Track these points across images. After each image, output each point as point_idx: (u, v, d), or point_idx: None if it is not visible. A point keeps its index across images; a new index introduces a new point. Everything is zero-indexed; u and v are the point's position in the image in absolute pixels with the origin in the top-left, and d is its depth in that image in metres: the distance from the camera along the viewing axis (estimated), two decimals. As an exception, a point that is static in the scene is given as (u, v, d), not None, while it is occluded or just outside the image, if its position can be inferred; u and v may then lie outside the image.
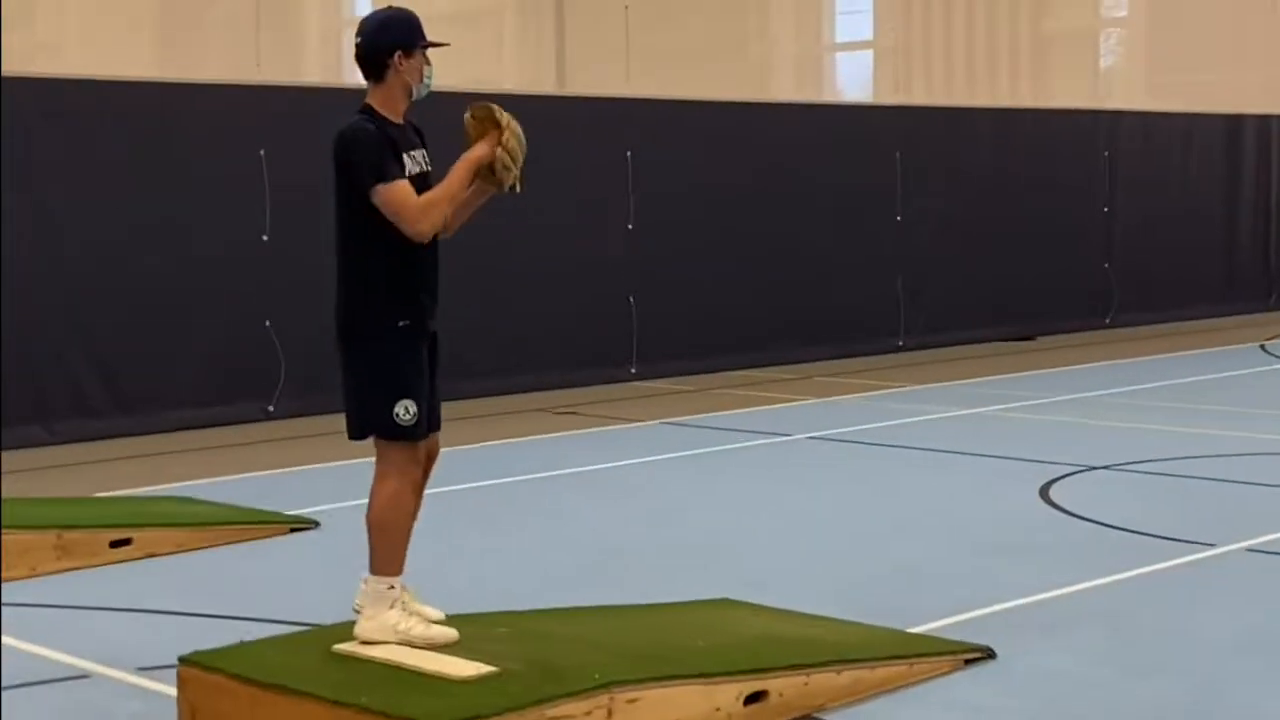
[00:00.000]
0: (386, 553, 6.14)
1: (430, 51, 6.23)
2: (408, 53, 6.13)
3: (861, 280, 17.77)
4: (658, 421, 13.35)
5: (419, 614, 6.15)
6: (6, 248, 12.08)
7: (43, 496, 10.04)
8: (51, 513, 9.05)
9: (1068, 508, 9.60)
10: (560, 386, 15.14)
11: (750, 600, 7.34)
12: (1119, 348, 18.35)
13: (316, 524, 9.34)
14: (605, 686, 5.57)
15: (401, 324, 6.03)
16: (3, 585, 7.45)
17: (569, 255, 15.40)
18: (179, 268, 13.10)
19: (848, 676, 6.17)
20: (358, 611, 6.32)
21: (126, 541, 8.66)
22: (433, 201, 5.99)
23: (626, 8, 17.02)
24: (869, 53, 28.56)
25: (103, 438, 12.57)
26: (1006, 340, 18.86)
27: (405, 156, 6.07)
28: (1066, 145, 19.96)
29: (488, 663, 5.79)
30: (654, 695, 5.67)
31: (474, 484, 10.43)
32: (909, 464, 11.36)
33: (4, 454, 11.25)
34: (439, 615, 6.23)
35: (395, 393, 6.02)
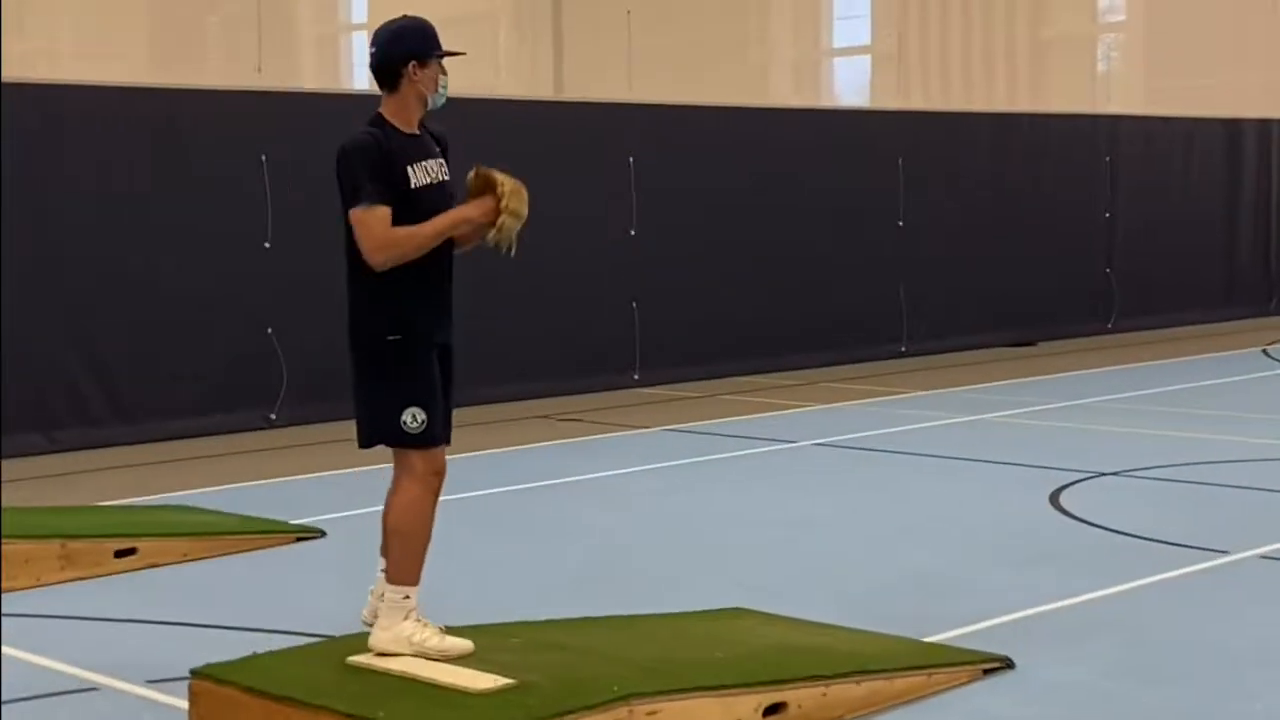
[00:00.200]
0: (404, 560, 6.10)
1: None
2: (422, 62, 6.11)
3: (864, 286, 17.72)
4: (662, 428, 13.29)
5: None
6: (6, 255, 12.00)
7: (44, 506, 9.97)
8: (54, 522, 8.99)
9: (1079, 514, 9.55)
10: (562, 393, 15.08)
11: (762, 609, 7.28)
12: (1121, 353, 18.30)
13: (322, 533, 9.27)
14: (624, 699, 5.51)
15: (402, 336, 6.02)
16: (3, 596, 7.38)
17: (571, 261, 15.33)
18: (180, 275, 13.02)
19: (866, 687, 6.11)
20: (366, 625, 6.28)
21: (131, 551, 8.59)
22: (399, 239, 5.95)
23: (629, 12, 16.97)
24: (866, 58, 28.58)
25: (104, 446, 12.50)
26: (1008, 345, 18.81)
27: (413, 167, 6.04)
28: (1068, 150, 19.91)
29: (504, 675, 5.73)
30: (673, 708, 5.61)
31: (479, 492, 10.36)
32: (916, 470, 11.30)
33: (4, 462, 11.19)
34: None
35: (403, 400, 6.02)
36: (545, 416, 14.00)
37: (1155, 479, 10.76)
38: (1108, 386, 15.37)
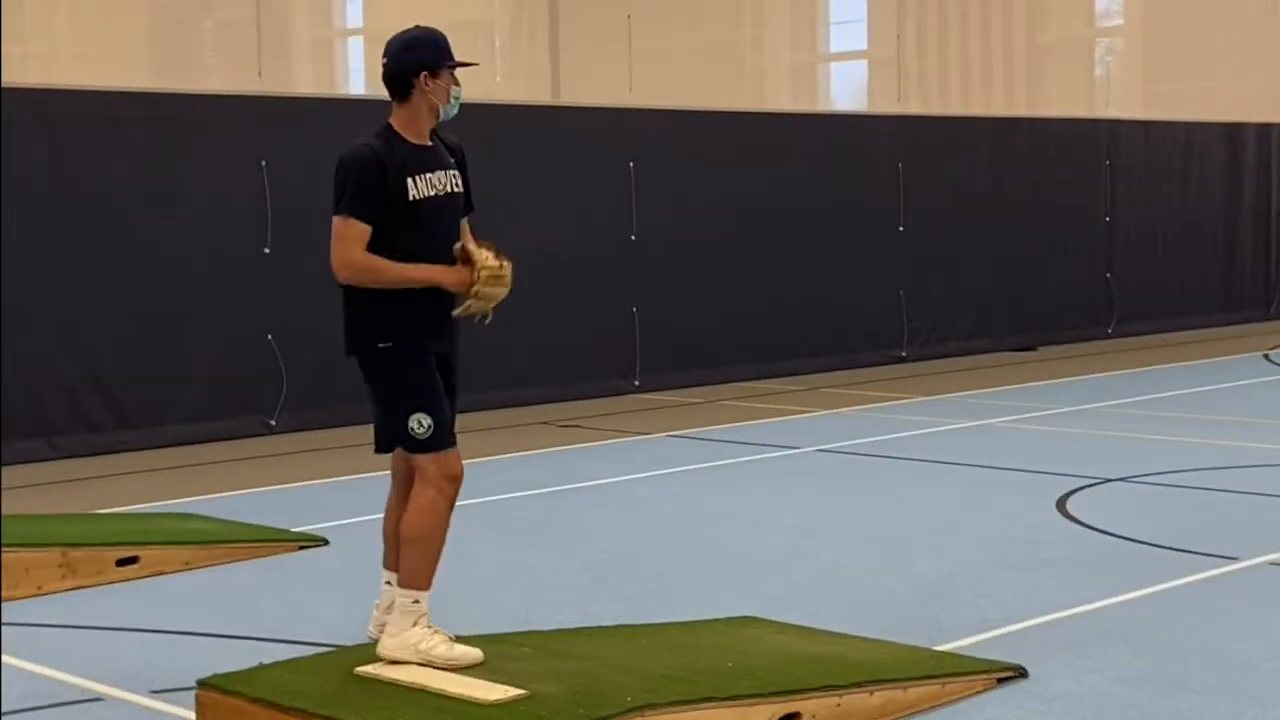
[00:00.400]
0: (417, 565, 6.09)
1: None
2: (434, 73, 6.11)
3: (864, 291, 17.67)
4: (664, 434, 13.23)
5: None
6: (5, 261, 11.94)
7: (45, 513, 9.90)
8: (55, 530, 8.92)
9: (1086, 521, 9.49)
10: (563, 399, 15.02)
11: (771, 616, 7.23)
12: (1122, 358, 18.26)
13: (325, 541, 9.20)
14: (638, 709, 5.45)
15: (393, 344, 6.03)
16: (3, 605, 7.32)
17: (571, 266, 15.28)
18: (179, 280, 12.96)
19: (880, 697, 6.04)
20: (372, 639, 6.24)
21: (133, 560, 8.52)
22: (365, 266, 5.98)
23: (629, 17, 16.93)
24: (863, 63, 28.56)
25: (104, 453, 12.45)
26: (1008, 351, 18.76)
27: (415, 179, 6.04)
28: (1068, 155, 19.87)
29: (515, 685, 5.67)
30: (687, 718, 5.54)
31: (482, 499, 10.28)
32: (921, 477, 11.23)
33: (4, 469, 11.13)
34: None
35: (408, 407, 6.03)
36: (546, 422, 13.94)
37: (1162, 484, 10.70)
38: (1110, 391, 15.32)
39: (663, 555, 8.94)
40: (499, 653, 6.10)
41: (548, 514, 10.15)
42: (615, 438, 13.20)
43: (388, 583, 6.28)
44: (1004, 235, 19.05)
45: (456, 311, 6.09)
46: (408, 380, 6.04)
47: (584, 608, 7.67)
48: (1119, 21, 28.27)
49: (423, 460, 6.05)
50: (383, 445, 6.19)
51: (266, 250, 13.33)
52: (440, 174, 6.15)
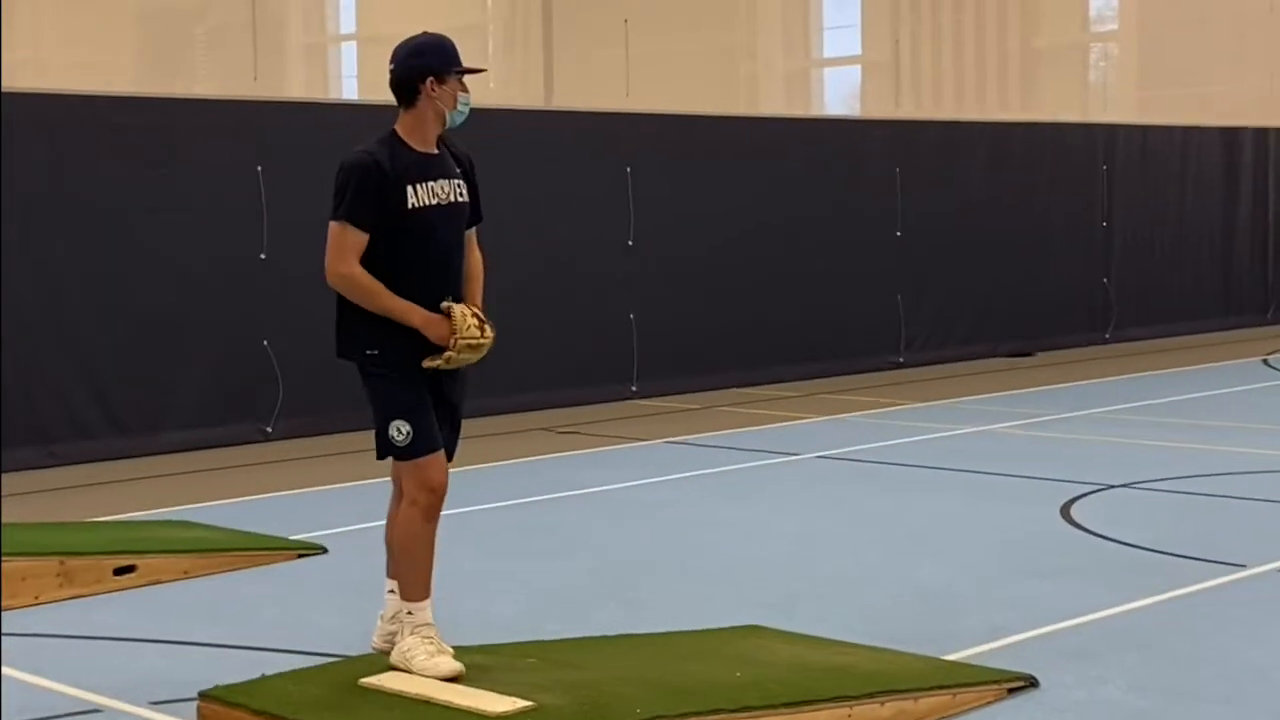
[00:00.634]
0: (405, 576, 6.09)
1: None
2: (440, 79, 6.07)
3: (861, 296, 17.60)
4: (663, 441, 13.15)
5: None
6: (4, 266, 11.86)
7: (41, 521, 9.81)
8: (52, 539, 8.83)
9: (1091, 528, 9.42)
10: (560, 405, 14.94)
11: (776, 625, 7.16)
12: (1120, 363, 18.20)
13: (324, 549, 9.11)
14: (648, 722, 5.37)
15: (380, 351, 6.02)
16: (3, 614, 7.23)
17: (568, 272, 15.21)
18: (175, 286, 12.87)
19: (891, 708, 5.97)
20: (376, 650, 6.19)
21: (130, 568, 8.43)
22: (354, 278, 5.95)
23: (626, 21, 16.87)
24: (857, 68, 28.52)
25: (99, 460, 12.35)
26: (1006, 356, 18.70)
27: (414, 187, 6.00)
28: (1065, 159, 19.82)
29: (521, 696, 5.59)
30: (697, 730, 5.47)
31: (481, 506, 10.23)
32: (922, 483, 11.16)
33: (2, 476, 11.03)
34: None
35: (389, 413, 6.03)
36: (544, 429, 13.86)
37: (1165, 491, 10.64)
38: (1109, 397, 15.26)
39: (663, 563, 8.86)
40: (503, 663, 6.04)
41: (546, 521, 10.06)
42: (613, 444, 13.12)
43: (391, 591, 6.23)
44: (1002, 240, 18.99)
45: (425, 362, 6.02)
46: (391, 387, 6.04)
47: (586, 617, 7.59)
48: (1113, 26, 28.23)
49: (402, 470, 6.07)
50: (380, 451, 6.16)
51: (262, 256, 13.24)
52: (443, 182, 6.10)
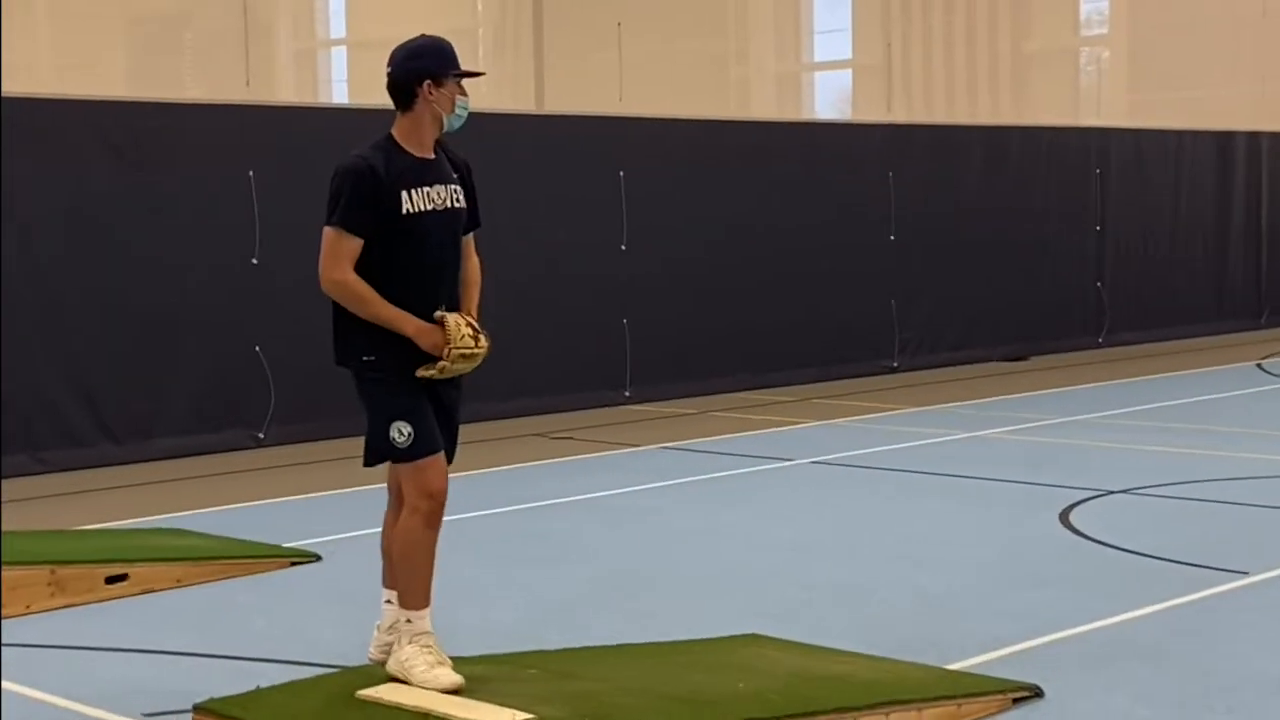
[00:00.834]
0: (404, 584, 6.02)
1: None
2: (438, 82, 6.00)
3: (855, 301, 17.54)
4: (657, 446, 13.09)
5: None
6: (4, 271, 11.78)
7: (32, 529, 9.71)
8: (43, 547, 8.75)
9: (1092, 534, 9.35)
10: (553, 410, 14.87)
11: (776, 634, 7.08)
12: (1113, 367, 18.15)
13: (318, 557, 9.03)
14: (652, 734, 5.30)
15: (376, 357, 5.97)
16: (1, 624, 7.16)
17: (561, 277, 15.13)
18: (166, 292, 12.78)
19: (895, 719, 5.89)
20: (373, 661, 6.12)
21: (123, 577, 8.34)
22: (357, 295, 5.90)
23: (618, 25, 16.80)
24: (848, 72, 28.46)
25: (91, 466, 12.26)
26: (999, 360, 18.66)
27: (410, 192, 5.95)
28: (1058, 164, 19.77)
29: (521, 708, 5.51)
30: (700, 742, 5.40)
31: (476, 513, 10.15)
32: (918, 488, 11.09)
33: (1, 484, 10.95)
34: None
35: (389, 415, 5.97)
36: (538, 434, 13.78)
37: (1165, 496, 10.57)
38: (1104, 402, 15.21)
39: (659, 571, 8.79)
40: (503, 674, 5.97)
41: (541, 528, 9.99)
42: (607, 449, 13.04)
43: (388, 601, 6.16)
44: (995, 244, 18.94)
45: (418, 372, 5.96)
46: (390, 391, 5.98)
47: (584, 626, 7.50)
48: (1103, 30, 28.18)
49: (402, 475, 6.00)
50: (369, 458, 6.09)
51: (254, 261, 13.15)
52: (440, 188, 6.04)
